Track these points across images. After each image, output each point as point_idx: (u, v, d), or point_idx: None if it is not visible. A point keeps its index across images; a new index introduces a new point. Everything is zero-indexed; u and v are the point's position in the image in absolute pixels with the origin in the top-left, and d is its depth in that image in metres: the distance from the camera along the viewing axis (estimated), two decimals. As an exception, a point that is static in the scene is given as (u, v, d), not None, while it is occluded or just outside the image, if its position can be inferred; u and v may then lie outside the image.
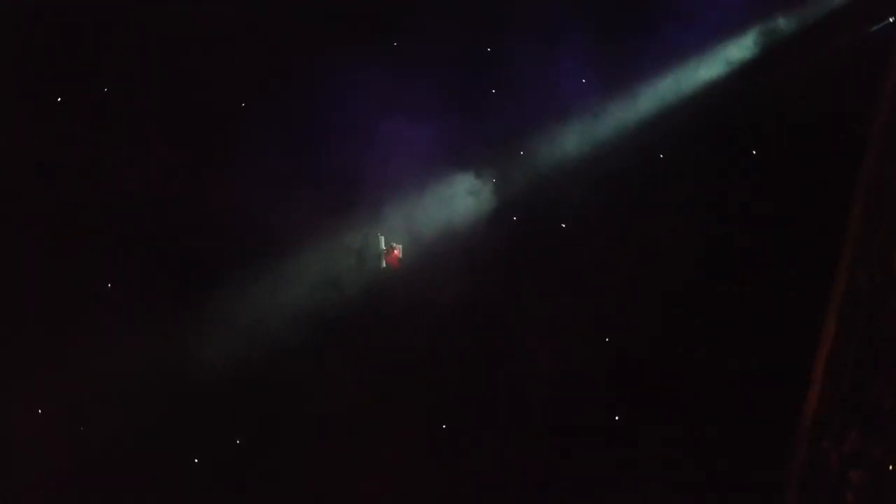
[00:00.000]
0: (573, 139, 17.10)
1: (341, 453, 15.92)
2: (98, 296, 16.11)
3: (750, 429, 16.07)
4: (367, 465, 15.87)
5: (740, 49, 17.35)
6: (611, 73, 17.21)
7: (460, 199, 16.85)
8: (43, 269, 15.95)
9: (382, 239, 16.53)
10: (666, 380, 16.41)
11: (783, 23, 17.36)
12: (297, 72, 16.83)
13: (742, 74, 17.21)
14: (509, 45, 17.16)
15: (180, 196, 16.37)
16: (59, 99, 16.46)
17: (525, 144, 17.08)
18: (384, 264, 16.47)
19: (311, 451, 15.84)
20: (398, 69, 16.89)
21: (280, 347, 16.07)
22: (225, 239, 16.36)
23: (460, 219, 16.79)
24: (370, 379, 16.14)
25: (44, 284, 15.88)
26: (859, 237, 16.44)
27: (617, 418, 16.28)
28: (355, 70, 16.82)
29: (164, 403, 15.84)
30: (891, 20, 17.09)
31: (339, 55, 16.81)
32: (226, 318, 16.22)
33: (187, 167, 16.54)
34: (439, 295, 16.35)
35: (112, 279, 16.16)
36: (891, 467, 15.08)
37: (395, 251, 16.50)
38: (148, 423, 15.76)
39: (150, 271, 16.20)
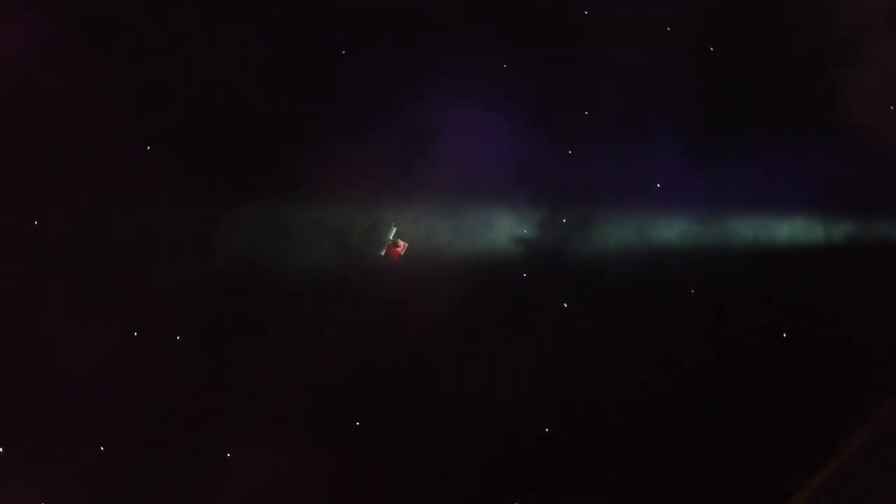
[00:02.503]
0: (628, 229, 16.60)
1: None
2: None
3: None
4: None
5: (825, 230, 16.60)
6: (696, 189, 16.74)
7: (500, 215, 16.59)
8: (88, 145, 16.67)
9: (394, 230, 16.37)
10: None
11: (883, 227, 16.52)
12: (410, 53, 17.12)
13: (815, 254, 16.46)
14: (613, 119, 16.94)
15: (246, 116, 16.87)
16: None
17: (582, 209, 16.72)
18: (383, 253, 16.30)
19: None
20: (504, 80, 17.02)
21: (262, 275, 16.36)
22: (270, 166, 16.76)
23: (483, 236, 16.56)
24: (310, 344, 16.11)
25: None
26: (844, 464, 15.53)
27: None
28: (462, 69, 17.00)
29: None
30: None
31: (449, 51, 17.02)
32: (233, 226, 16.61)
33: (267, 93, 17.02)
34: (419, 301, 16.11)
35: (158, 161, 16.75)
36: None
37: (399, 247, 16.30)
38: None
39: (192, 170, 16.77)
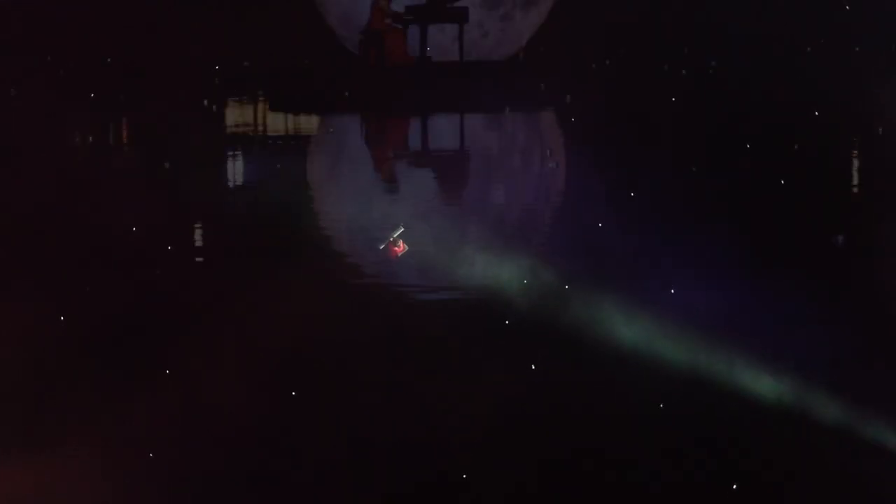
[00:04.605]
0: (623, 321, 15.89)
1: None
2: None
3: None
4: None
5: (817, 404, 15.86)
6: (707, 311, 15.91)
7: (507, 259, 16.35)
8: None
9: (400, 230, 16.17)
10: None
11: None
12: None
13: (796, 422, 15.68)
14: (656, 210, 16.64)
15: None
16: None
17: (589, 283, 16.19)
18: (381, 248, 16.15)
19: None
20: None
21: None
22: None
23: (483, 272, 16.28)
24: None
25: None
26: None
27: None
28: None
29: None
30: None
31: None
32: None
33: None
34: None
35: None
36: None
37: (399, 248, 16.13)
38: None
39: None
